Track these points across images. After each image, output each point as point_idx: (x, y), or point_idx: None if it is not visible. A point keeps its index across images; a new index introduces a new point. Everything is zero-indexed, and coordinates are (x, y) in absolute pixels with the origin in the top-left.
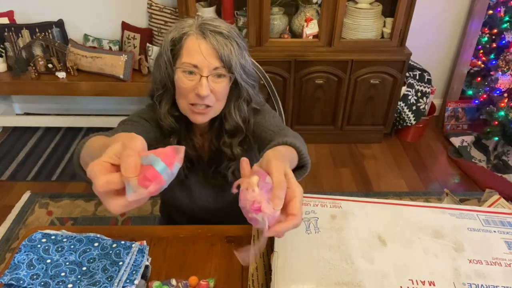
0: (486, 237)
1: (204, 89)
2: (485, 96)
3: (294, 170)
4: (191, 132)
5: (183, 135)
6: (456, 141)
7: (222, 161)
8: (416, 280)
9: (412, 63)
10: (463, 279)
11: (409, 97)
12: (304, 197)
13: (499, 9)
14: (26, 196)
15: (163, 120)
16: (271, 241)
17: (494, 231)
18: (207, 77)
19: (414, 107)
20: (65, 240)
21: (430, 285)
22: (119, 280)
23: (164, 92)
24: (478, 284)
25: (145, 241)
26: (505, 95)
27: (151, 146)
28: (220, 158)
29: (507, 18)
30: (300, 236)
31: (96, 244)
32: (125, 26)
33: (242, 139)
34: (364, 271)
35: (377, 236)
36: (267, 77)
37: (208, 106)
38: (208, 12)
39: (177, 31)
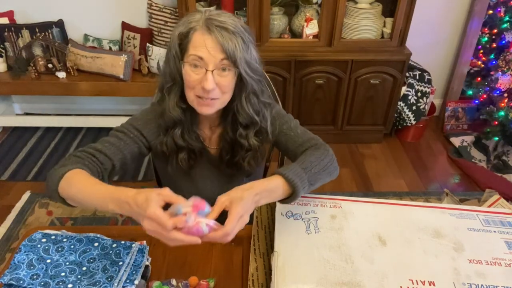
0: (486, 237)
1: (209, 83)
2: (485, 96)
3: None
4: (195, 125)
5: (187, 126)
6: (456, 141)
7: (236, 152)
8: (416, 280)
9: (412, 63)
10: (463, 279)
11: (409, 97)
12: (304, 197)
13: (499, 9)
14: (26, 196)
15: (172, 112)
16: (271, 241)
17: (494, 231)
18: (212, 71)
19: (414, 107)
20: (65, 240)
21: (430, 285)
22: (119, 280)
23: (173, 84)
24: (478, 284)
25: (145, 241)
26: (505, 95)
27: (140, 155)
28: (234, 149)
29: (507, 18)
30: (300, 236)
31: (96, 244)
32: (125, 26)
33: (258, 130)
34: (364, 271)
35: (377, 236)
36: (267, 77)
37: (213, 99)
38: None
39: (184, 25)
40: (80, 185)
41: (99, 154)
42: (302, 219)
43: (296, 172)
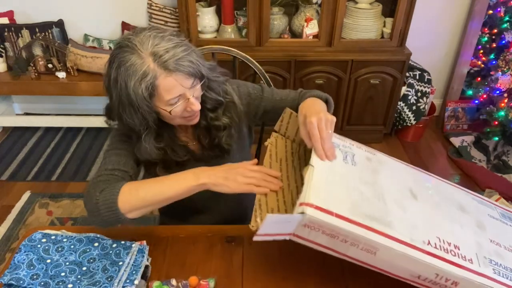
0: (504, 228)
1: (196, 106)
2: (485, 96)
3: None
4: (176, 139)
5: (170, 156)
6: (456, 141)
7: (214, 135)
8: (443, 240)
9: (412, 63)
10: (484, 253)
11: (409, 97)
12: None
13: (499, 9)
14: (26, 196)
15: (153, 156)
16: (306, 156)
17: (510, 225)
18: (192, 95)
19: (414, 107)
20: (65, 240)
21: (455, 247)
22: (119, 280)
23: (147, 132)
24: (498, 262)
25: (145, 241)
26: (505, 95)
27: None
28: (211, 133)
29: (507, 18)
30: (337, 162)
31: (96, 244)
32: (125, 26)
33: (225, 107)
34: (396, 214)
35: (409, 189)
36: (267, 77)
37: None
38: (208, 12)
39: (141, 80)
40: (148, 184)
41: (117, 172)
42: (340, 149)
43: (314, 94)
